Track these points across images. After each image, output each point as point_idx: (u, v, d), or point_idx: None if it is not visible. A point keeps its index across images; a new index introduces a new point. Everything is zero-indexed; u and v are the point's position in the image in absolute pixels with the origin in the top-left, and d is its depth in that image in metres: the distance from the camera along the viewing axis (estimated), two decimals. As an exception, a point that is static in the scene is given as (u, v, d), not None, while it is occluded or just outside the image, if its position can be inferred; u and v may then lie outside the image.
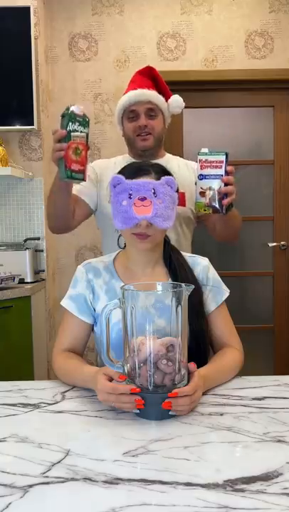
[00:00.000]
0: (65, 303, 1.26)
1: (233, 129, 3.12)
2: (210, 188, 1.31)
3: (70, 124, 1.25)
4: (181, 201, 1.62)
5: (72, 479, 0.74)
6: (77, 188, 1.63)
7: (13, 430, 0.92)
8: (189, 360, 1.00)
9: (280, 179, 3.13)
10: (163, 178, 1.15)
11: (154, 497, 0.68)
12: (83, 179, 1.29)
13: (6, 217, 2.86)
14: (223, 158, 1.31)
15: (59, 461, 0.79)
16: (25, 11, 2.62)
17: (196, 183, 1.33)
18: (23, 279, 2.60)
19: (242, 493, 0.69)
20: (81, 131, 1.26)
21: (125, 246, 1.29)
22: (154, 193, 1.12)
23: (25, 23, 2.62)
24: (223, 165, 1.30)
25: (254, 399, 1.06)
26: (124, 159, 1.69)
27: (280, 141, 3.14)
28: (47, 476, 0.74)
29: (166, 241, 1.29)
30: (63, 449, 0.83)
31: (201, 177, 1.31)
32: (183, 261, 1.27)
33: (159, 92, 1.65)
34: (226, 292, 1.28)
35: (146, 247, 1.17)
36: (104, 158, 3.03)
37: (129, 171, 1.19)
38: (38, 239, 2.82)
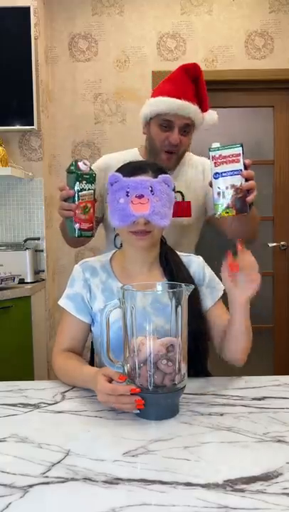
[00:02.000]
0: (62, 302, 1.26)
1: (233, 129, 3.12)
2: (230, 187, 1.15)
3: (78, 183, 1.25)
4: (186, 211, 1.55)
5: (72, 479, 0.74)
6: None
7: (13, 430, 0.92)
8: (189, 360, 1.01)
9: (280, 179, 3.13)
10: (160, 176, 1.15)
11: (154, 497, 0.68)
12: (92, 235, 1.30)
13: (6, 217, 2.86)
14: (239, 150, 1.16)
15: (59, 461, 0.79)
16: (25, 11, 2.62)
17: (211, 184, 1.19)
18: (23, 279, 2.60)
19: (242, 493, 0.69)
20: (88, 189, 1.26)
21: (122, 246, 1.29)
22: (151, 191, 1.13)
23: (25, 23, 2.62)
24: (241, 158, 1.15)
25: (254, 399, 1.06)
26: (133, 155, 1.59)
27: (280, 141, 3.14)
28: (47, 476, 0.74)
29: (163, 241, 1.29)
30: (63, 449, 0.83)
31: (217, 175, 1.16)
32: (179, 261, 1.27)
33: (198, 98, 1.50)
34: (221, 290, 1.28)
35: (144, 244, 1.17)
36: (109, 154, 3.04)
37: (126, 169, 1.20)
38: (38, 239, 2.82)
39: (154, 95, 1.53)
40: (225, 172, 1.16)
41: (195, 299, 1.20)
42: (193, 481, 0.72)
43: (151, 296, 1.00)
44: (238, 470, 0.75)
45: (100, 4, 2.99)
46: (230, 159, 1.16)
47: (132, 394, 0.93)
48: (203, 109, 1.52)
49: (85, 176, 1.24)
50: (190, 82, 1.49)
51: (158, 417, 0.94)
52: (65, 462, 0.79)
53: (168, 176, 1.17)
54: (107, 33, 3.00)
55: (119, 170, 1.21)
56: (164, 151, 1.50)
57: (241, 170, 1.16)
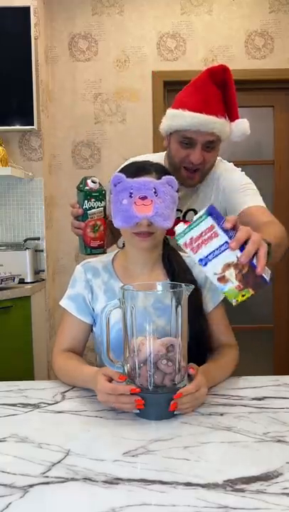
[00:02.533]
0: (64, 303, 1.26)
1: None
2: (226, 267, 0.90)
3: (86, 202, 1.25)
4: None
5: (72, 479, 0.73)
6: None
7: (13, 430, 0.92)
8: (190, 360, 1.01)
9: (280, 179, 3.13)
10: (164, 177, 1.15)
11: (154, 497, 0.68)
12: (103, 252, 1.29)
13: (6, 217, 2.86)
14: (209, 221, 0.90)
15: (59, 461, 0.79)
16: (25, 11, 2.62)
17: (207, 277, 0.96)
18: (23, 279, 2.60)
19: (242, 493, 0.69)
20: (98, 207, 1.26)
21: (124, 246, 1.29)
22: (154, 192, 1.12)
23: (25, 23, 2.62)
24: (217, 229, 0.89)
25: (254, 399, 1.06)
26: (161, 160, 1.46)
27: (280, 141, 3.14)
28: (47, 476, 0.74)
29: (165, 241, 1.29)
30: (63, 449, 0.83)
31: (204, 262, 0.92)
32: (182, 261, 1.27)
33: (226, 107, 1.35)
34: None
35: (146, 245, 1.17)
36: (104, 158, 3.06)
37: (130, 170, 1.19)
38: (38, 239, 2.82)
39: (175, 105, 1.36)
40: (210, 254, 0.91)
41: (197, 299, 1.20)
42: (193, 481, 0.72)
43: (151, 296, 1.00)
44: (238, 470, 0.75)
45: (99, 4, 2.99)
46: (206, 237, 0.91)
47: (131, 394, 0.93)
48: (232, 118, 1.36)
49: (93, 194, 1.24)
50: (216, 89, 1.33)
51: (158, 417, 0.94)
52: (65, 462, 0.79)
53: (172, 177, 1.17)
54: (107, 32, 3.00)
55: (122, 170, 1.21)
56: (184, 167, 1.37)
57: (227, 242, 0.89)
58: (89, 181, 1.24)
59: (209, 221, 0.90)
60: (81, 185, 1.26)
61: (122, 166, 1.37)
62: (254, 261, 0.88)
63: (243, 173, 1.48)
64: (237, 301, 0.93)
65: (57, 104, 3.02)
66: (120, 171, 1.20)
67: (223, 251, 0.90)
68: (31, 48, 2.64)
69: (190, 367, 1.00)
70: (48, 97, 2.99)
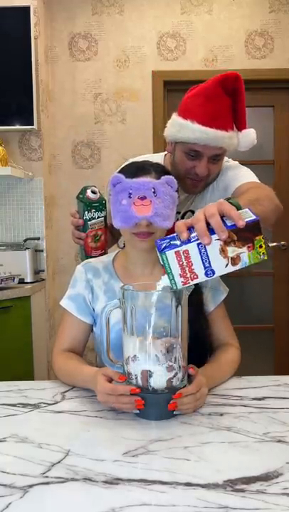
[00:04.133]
0: (64, 303, 1.26)
1: (233, 129, 3.12)
2: (223, 252, 0.87)
3: (87, 212, 1.25)
4: None
5: (72, 479, 0.73)
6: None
7: (13, 430, 0.92)
8: (190, 360, 1.01)
9: (280, 179, 3.13)
10: (163, 177, 1.15)
11: (154, 497, 0.68)
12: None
13: (6, 217, 2.86)
14: (169, 254, 0.87)
15: (59, 461, 0.79)
16: (25, 10, 2.62)
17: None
18: (23, 279, 2.60)
19: (242, 493, 0.69)
20: (98, 217, 1.25)
21: (124, 246, 1.29)
22: (154, 193, 1.12)
23: (25, 23, 2.62)
24: (180, 247, 0.87)
25: (254, 399, 1.06)
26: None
27: (280, 141, 3.14)
28: (47, 476, 0.74)
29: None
30: (63, 449, 0.83)
31: (209, 273, 0.88)
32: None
33: (235, 116, 1.33)
34: (224, 292, 1.28)
35: (146, 246, 1.17)
36: (103, 158, 3.06)
37: (129, 170, 1.19)
38: (38, 239, 2.82)
39: (182, 112, 1.32)
40: (204, 263, 0.88)
41: (197, 299, 1.20)
42: (193, 481, 0.72)
43: (151, 296, 1.00)
44: (238, 470, 0.75)
45: (99, 4, 2.98)
46: (186, 262, 0.87)
47: (131, 394, 0.93)
48: (240, 128, 1.34)
49: (94, 205, 1.24)
50: (226, 98, 1.29)
51: (158, 417, 0.94)
52: (65, 462, 0.79)
53: (171, 177, 1.16)
54: (107, 32, 3.00)
55: (121, 171, 1.21)
56: (187, 178, 1.35)
57: (199, 243, 0.85)
58: (89, 192, 1.24)
59: (169, 253, 0.87)
60: (81, 196, 1.25)
61: (122, 166, 1.35)
62: (228, 223, 0.85)
63: (242, 166, 1.47)
64: (264, 254, 0.87)
65: (57, 104, 3.02)
66: (119, 172, 1.20)
67: (206, 250, 0.86)
68: (31, 47, 2.64)
69: (190, 367, 1.00)
70: (48, 96, 2.99)
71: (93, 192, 1.24)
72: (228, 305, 1.29)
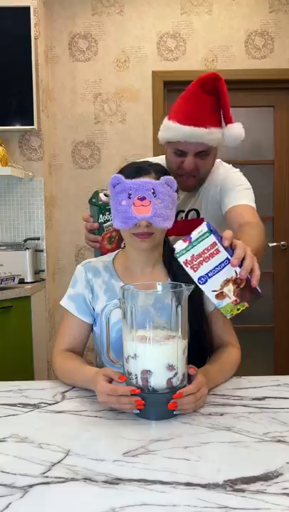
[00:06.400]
0: (64, 302, 1.26)
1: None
2: (225, 283, 0.92)
3: (101, 216, 1.27)
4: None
5: (72, 479, 0.73)
6: None
7: (13, 430, 0.92)
8: (190, 360, 1.01)
9: (280, 179, 3.13)
10: (163, 177, 1.15)
11: (154, 497, 0.68)
12: None
13: (6, 217, 2.86)
14: (211, 238, 0.91)
15: (59, 461, 0.79)
16: (25, 11, 2.62)
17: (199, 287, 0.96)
18: (23, 279, 2.60)
19: (242, 493, 0.69)
20: (112, 219, 1.27)
21: (124, 246, 1.29)
22: (153, 193, 1.12)
23: (26, 23, 2.62)
24: (218, 245, 0.91)
25: (254, 399, 1.06)
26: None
27: (280, 141, 3.14)
28: (47, 476, 0.74)
29: (166, 241, 1.29)
30: (63, 449, 0.83)
31: (203, 280, 0.93)
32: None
33: (219, 112, 1.38)
34: None
35: (146, 246, 1.17)
36: (103, 158, 3.06)
37: (128, 171, 1.19)
38: (38, 239, 2.82)
39: (169, 115, 1.42)
40: (210, 271, 0.93)
41: (197, 299, 1.20)
42: (193, 481, 0.72)
43: (151, 296, 1.00)
44: (238, 470, 0.75)
45: (100, 4, 2.98)
46: (208, 254, 0.92)
47: (132, 395, 0.93)
48: (226, 122, 1.39)
49: (107, 207, 1.26)
50: (206, 96, 1.36)
51: (158, 417, 0.94)
52: (65, 462, 0.79)
53: (171, 177, 1.17)
54: (107, 32, 3.00)
55: (121, 171, 1.21)
56: (178, 175, 1.40)
57: (228, 258, 0.91)
58: (101, 195, 1.26)
59: (212, 238, 0.91)
60: (94, 200, 1.27)
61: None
62: (247, 295, 0.93)
63: (241, 173, 1.51)
64: (232, 314, 0.95)
65: (57, 104, 3.02)
66: (119, 172, 1.20)
67: (223, 268, 0.91)
68: (31, 48, 2.64)
69: (190, 367, 1.00)
70: (48, 96, 2.99)
71: (106, 195, 1.26)
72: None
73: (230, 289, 0.92)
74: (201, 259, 0.92)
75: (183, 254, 0.93)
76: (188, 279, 1.18)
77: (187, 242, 0.93)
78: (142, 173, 1.17)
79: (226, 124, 1.39)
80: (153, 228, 1.14)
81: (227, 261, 0.91)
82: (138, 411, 0.94)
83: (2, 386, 1.17)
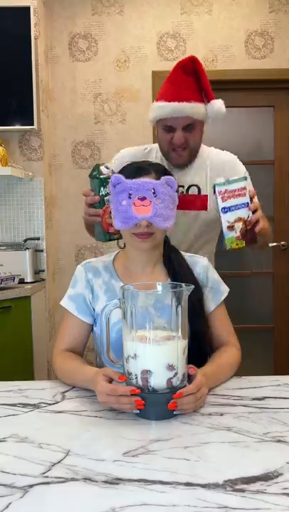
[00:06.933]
0: (64, 302, 1.26)
1: (233, 129, 3.12)
2: (238, 220, 1.21)
3: (102, 189, 1.26)
4: (202, 205, 1.57)
5: (72, 479, 0.74)
6: None
7: (13, 430, 0.92)
8: (190, 360, 1.01)
9: (280, 179, 3.13)
10: (163, 177, 1.15)
11: (154, 497, 0.68)
12: (120, 238, 1.30)
13: (6, 217, 2.86)
14: (244, 184, 1.21)
15: (59, 461, 0.79)
16: (25, 11, 2.62)
17: (220, 215, 1.23)
18: (23, 279, 2.60)
19: (242, 493, 0.69)
20: (104, 195, 1.26)
21: (125, 246, 1.29)
22: (153, 193, 1.12)
23: (26, 23, 2.62)
24: (246, 191, 1.21)
25: (254, 399, 1.06)
26: (157, 152, 1.65)
27: (280, 141, 3.13)
28: (47, 476, 0.74)
29: (166, 241, 1.29)
30: (63, 449, 0.83)
31: (225, 210, 1.21)
32: (182, 261, 1.27)
33: (201, 90, 1.53)
34: (225, 292, 1.28)
35: (146, 246, 1.17)
36: (104, 158, 3.06)
37: (129, 171, 1.19)
38: (38, 239, 2.82)
39: (157, 98, 1.56)
40: (233, 206, 1.21)
41: (198, 299, 1.20)
42: (193, 481, 0.72)
43: (151, 296, 1.00)
44: (238, 470, 0.75)
45: (100, 4, 2.98)
46: (237, 193, 1.20)
47: (132, 395, 0.93)
48: (208, 99, 1.54)
49: (108, 180, 1.24)
50: (187, 77, 1.51)
51: (158, 417, 0.94)
52: (65, 462, 0.79)
53: (171, 177, 1.17)
54: (107, 32, 3.00)
55: (121, 171, 1.21)
56: (172, 151, 1.55)
57: (248, 203, 1.21)
58: (102, 168, 1.25)
59: (244, 183, 1.21)
60: (95, 173, 1.26)
61: (116, 159, 1.64)
62: (248, 235, 1.22)
63: (234, 156, 1.67)
64: (231, 247, 1.23)
65: (57, 104, 3.02)
66: (120, 172, 1.20)
67: (241, 208, 1.20)
68: (31, 48, 2.64)
69: (190, 367, 1.00)
70: (48, 96, 2.99)
71: (107, 168, 1.26)
72: (227, 305, 1.29)
73: (239, 225, 1.21)
74: (231, 194, 1.20)
75: (221, 185, 1.20)
76: (188, 279, 1.19)
77: (224, 179, 1.21)
78: (142, 173, 1.17)
79: (208, 101, 1.54)
80: (153, 228, 1.14)
81: (247, 204, 1.21)
82: (138, 411, 0.94)
83: (2, 386, 1.17)
